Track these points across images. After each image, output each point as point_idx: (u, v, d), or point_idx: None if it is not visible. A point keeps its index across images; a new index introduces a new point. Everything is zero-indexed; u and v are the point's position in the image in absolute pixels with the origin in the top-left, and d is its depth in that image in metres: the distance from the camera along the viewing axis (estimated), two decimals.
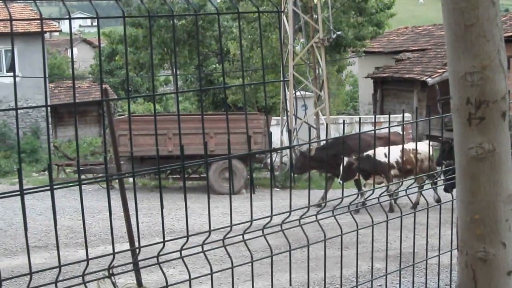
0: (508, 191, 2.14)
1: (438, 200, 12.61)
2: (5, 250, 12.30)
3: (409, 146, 15.99)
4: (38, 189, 2.45)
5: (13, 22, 27.04)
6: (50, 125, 33.05)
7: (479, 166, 2.11)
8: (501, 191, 2.12)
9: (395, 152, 15.08)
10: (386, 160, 14.74)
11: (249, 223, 3.03)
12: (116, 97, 38.60)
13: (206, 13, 32.37)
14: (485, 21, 2.03)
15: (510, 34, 25.96)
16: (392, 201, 12.45)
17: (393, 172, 15.24)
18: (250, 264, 3.15)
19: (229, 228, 3.00)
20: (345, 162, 14.50)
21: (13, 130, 30.21)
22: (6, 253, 12.05)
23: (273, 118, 24.33)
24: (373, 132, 18.68)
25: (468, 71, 2.07)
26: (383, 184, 13.99)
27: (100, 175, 18.49)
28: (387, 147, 14.50)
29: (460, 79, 2.09)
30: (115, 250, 2.68)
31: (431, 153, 15.46)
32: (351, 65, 37.71)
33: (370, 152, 14.64)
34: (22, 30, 29.90)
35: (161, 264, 2.85)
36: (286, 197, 15.20)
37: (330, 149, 16.07)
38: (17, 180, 2.30)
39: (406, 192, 3.96)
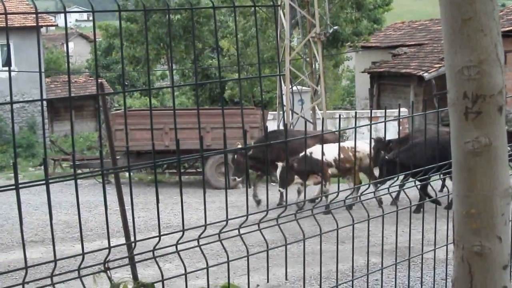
0: (504, 185, 2.14)
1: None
2: (2, 244, 12.30)
3: (348, 144, 15.46)
4: (33, 183, 2.45)
5: (9, 16, 26.97)
6: (46, 120, 33.01)
7: (476, 160, 2.11)
8: (497, 185, 2.12)
9: (333, 151, 14.56)
10: (324, 158, 14.10)
11: (245, 217, 3.03)
12: (112, 91, 38.57)
13: (202, 7, 32.32)
14: (483, 15, 2.02)
15: (507, 28, 25.96)
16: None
17: (330, 171, 14.65)
18: (246, 258, 3.16)
19: (225, 223, 3.00)
20: (280, 168, 13.95)
21: (9, 124, 30.17)
22: (2, 248, 12.04)
23: (269, 112, 24.32)
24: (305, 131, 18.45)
25: (465, 65, 2.07)
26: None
27: (96, 169, 18.48)
28: (324, 145, 14.04)
29: (457, 73, 2.09)
30: (111, 245, 2.67)
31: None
32: (348, 60, 37.71)
33: (309, 151, 14.27)
34: (18, 25, 29.84)
35: (157, 259, 2.84)
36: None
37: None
38: (13, 174, 2.30)
39: (388, 190, 3.96)
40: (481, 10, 2.02)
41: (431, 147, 13.00)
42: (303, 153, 13.91)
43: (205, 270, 3.01)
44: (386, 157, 14.28)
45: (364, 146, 14.90)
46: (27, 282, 2.43)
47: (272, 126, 22.76)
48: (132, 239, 2.98)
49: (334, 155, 14.58)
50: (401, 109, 24.32)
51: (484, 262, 2.16)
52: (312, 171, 14.59)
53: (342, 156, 14.83)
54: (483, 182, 2.12)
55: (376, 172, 15.37)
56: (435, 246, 4.20)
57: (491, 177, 2.11)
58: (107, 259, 2.67)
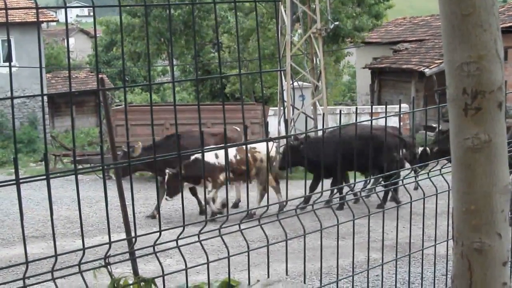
0: (504, 182, 2.14)
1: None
2: (3, 240, 12.32)
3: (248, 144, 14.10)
4: (34, 179, 2.46)
5: (10, 12, 26.95)
6: (47, 115, 33.01)
7: (475, 157, 2.11)
8: (497, 182, 2.12)
9: (229, 152, 13.17)
10: (216, 161, 13.23)
11: (246, 213, 3.04)
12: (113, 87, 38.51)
13: (202, 2, 32.30)
14: (482, 11, 2.02)
15: (508, 24, 25.93)
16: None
17: (224, 175, 13.29)
18: (247, 253, 3.16)
19: (225, 218, 3.00)
20: (167, 176, 12.80)
21: (10, 120, 30.18)
22: (3, 243, 12.06)
23: (270, 108, 24.32)
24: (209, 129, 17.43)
25: (465, 61, 2.06)
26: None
27: (97, 165, 18.47)
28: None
29: (457, 69, 2.08)
30: (112, 240, 2.68)
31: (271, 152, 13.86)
32: (349, 55, 37.69)
33: (199, 155, 12.78)
34: (19, 20, 29.82)
35: (157, 254, 2.85)
36: (283, 187, 15.22)
37: (159, 147, 13.91)
38: (14, 170, 2.30)
39: (375, 189, 3.96)
40: (481, 5, 2.02)
41: (334, 143, 13.20)
42: (196, 156, 12.98)
43: (206, 265, 3.02)
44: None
45: (264, 147, 13.42)
46: (28, 277, 2.44)
47: (273, 121, 22.76)
48: (133, 234, 2.98)
49: (229, 158, 13.37)
50: (402, 105, 24.31)
51: (484, 258, 2.16)
52: (201, 175, 13.07)
53: (239, 158, 13.55)
54: (482, 179, 2.12)
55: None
56: (435, 242, 4.20)
57: (490, 173, 2.11)
58: (108, 254, 2.67)
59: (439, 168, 3.76)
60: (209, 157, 13.12)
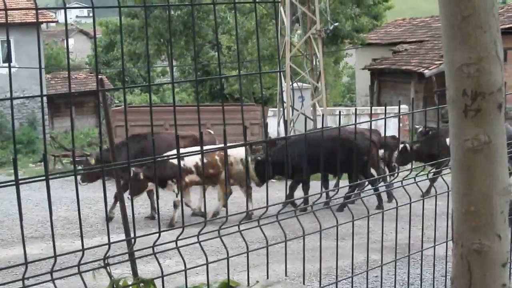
0: (504, 183, 2.13)
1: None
2: (2, 240, 12.32)
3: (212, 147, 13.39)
4: (33, 179, 2.45)
5: (10, 12, 26.93)
6: (46, 116, 33.02)
7: (475, 158, 2.11)
8: (496, 183, 2.12)
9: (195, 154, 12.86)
10: (182, 164, 12.79)
11: (245, 214, 3.04)
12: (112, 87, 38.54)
13: (202, 3, 32.30)
14: (482, 12, 2.02)
15: (508, 26, 25.95)
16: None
17: (190, 177, 12.91)
18: (246, 254, 3.16)
19: (224, 219, 3.00)
20: (132, 175, 12.49)
21: (9, 120, 30.17)
22: (2, 244, 12.06)
23: (270, 109, 24.32)
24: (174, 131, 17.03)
25: (465, 63, 2.06)
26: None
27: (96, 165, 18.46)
28: (188, 148, 11.96)
29: (456, 70, 2.08)
30: (111, 241, 2.68)
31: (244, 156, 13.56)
32: (349, 56, 37.71)
33: (166, 155, 12.51)
34: (19, 21, 29.83)
35: (157, 255, 2.85)
36: (283, 188, 15.21)
37: (123, 148, 14.16)
38: (13, 170, 2.31)
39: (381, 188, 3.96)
40: (481, 6, 2.02)
41: (300, 147, 13.41)
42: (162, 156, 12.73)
43: (205, 266, 3.02)
44: (259, 158, 14.12)
45: (236, 150, 13.35)
46: (27, 278, 2.44)
47: (272, 122, 22.76)
48: (132, 235, 2.98)
49: (195, 160, 13.02)
50: (402, 106, 24.31)
51: (483, 260, 2.16)
52: (166, 177, 13.02)
53: (205, 161, 13.15)
54: (482, 180, 2.12)
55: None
56: (435, 243, 4.20)
57: (490, 175, 2.11)
58: (107, 255, 2.67)
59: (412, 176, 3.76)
60: (175, 159, 12.65)
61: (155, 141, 15.42)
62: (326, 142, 12.48)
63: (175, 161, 12.43)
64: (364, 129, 15.04)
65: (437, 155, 15.31)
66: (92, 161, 14.92)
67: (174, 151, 12.98)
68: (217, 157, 13.41)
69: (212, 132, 16.65)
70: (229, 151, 13.03)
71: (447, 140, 15.01)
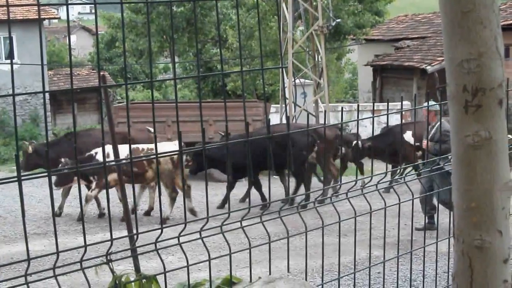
0: (505, 179, 2.14)
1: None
2: (5, 237, 12.33)
3: (146, 146, 13.58)
4: (36, 176, 2.46)
5: (12, 9, 26.96)
6: (49, 113, 33.05)
7: (476, 154, 2.11)
8: (497, 179, 2.12)
9: (122, 152, 11.80)
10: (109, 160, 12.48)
11: (247, 210, 3.04)
12: (114, 84, 38.61)
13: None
14: (482, 8, 2.02)
15: (510, 22, 25.89)
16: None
17: (112, 176, 12.19)
18: (248, 250, 3.17)
19: (227, 215, 3.01)
20: (60, 165, 12.38)
21: (12, 117, 30.20)
22: (5, 240, 12.07)
23: (272, 105, 24.31)
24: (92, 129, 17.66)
25: (465, 58, 2.06)
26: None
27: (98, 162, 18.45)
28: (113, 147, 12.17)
29: (457, 66, 2.09)
30: (113, 237, 2.68)
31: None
32: (351, 52, 37.67)
33: (94, 151, 12.93)
34: (21, 17, 29.83)
35: (159, 251, 2.85)
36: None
37: (57, 145, 14.91)
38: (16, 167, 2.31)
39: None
40: (481, 2, 2.02)
41: (239, 145, 13.57)
42: (90, 153, 12.95)
43: (207, 262, 3.03)
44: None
45: (163, 149, 12.89)
46: (30, 274, 2.44)
47: (275, 118, 22.76)
48: (134, 231, 2.99)
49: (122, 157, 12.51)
50: (404, 102, 24.29)
51: (485, 256, 2.17)
52: (89, 173, 13.00)
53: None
54: (483, 176, 2.12)
55: None
56: (437, 239, 4.20)
57: (491, 170, 2.11)
58: (110, 251, 2.68)
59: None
60: (99, 155, 12.58)
61: (85, 138, 15.43)
62: (263, 140, 12.72)
63: (98, 158, 12.45)
64: (316, 125, 15.42)
65: (396, 152, 15.65)
66: (29, 150, 15.15)
67: (98, 148, 13.01)
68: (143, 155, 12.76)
69: (151, 130, 16.61)
70: (160, 150, 12.61)
71: (404, 136, 15.00)
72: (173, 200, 13.36)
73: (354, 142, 15.60)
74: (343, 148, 15.91)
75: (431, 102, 12.61)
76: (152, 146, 13.04)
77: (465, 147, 2.12)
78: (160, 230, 2.77)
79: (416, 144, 14.07)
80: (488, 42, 2.04)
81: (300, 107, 21.76)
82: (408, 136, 15.57)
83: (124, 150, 11.17)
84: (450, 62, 2.10)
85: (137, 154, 12.67)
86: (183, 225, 2.85)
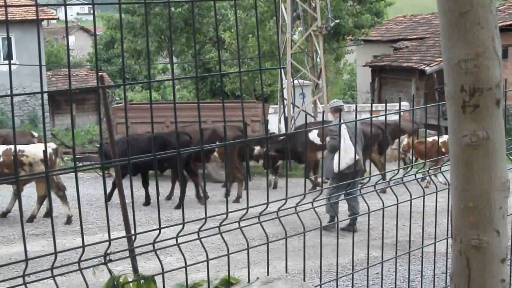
0: (502, 179, 2.14)
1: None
2: (3, 238, 12.31)
3: (18, 147, 13.07)
4: (34, 176, 2.46)
5: (10, 9, 26.95)
6: (47, 113, 33.04)
7: (473, 154, 2.11)
8: (495, 179, 2.12)
9: None
10: None
11: (246, 210, 3.04)
12: (112, 84, 38.62)
13: (202, 0, 32.32)
14: (480, 8, 2.03)
15: (509, 22, 25.94)
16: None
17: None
18: (246, 251, 3.16)
19: (225, 216, 3.01)
20: None
21: (10, 117, 30.20)
22: (3, 241, 12.05)
23: (270, 106, 24.32)
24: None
25: (462, 59, 2.07)
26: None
27: (97, 162, 18.48)
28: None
29: (454, 66, 2.09)
30: (112, 238, 2.68)
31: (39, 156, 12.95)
32: (350, 53, 37.68)
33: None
34: (19, 18, 29.82)
35: (158, 252, 2.85)
36: (283, 185, 15.20)
37: None
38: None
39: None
40: (478, 3, 2.03)
41: (121, 145, 14.62)
42: None
43: (206, 263, 3.03)
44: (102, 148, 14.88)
45: (34, 150, 12.95)
46: (28, 275, 2.44)
47: (273, 119, 22.76)
48: (133, 232, 2.99)
49: None
50: (402, 103, 24.31)
51: (482, 255, 2.17)
52: None
53: (1, 160, 12.73)
54: (480, 176, 2.12)
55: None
56: (435, 240, 4.20)
57: (489, 170, 2.12)
58: (108, 251, 2.68)
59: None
60: None
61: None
62: (142, 141, 14.35)
63: None
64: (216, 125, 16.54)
65: (302, 152, 15.98)
66: None
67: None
68: (12, 157, 12.63)
69: (35, 135, 17.38)
70: (27, 151, 12.90)
71: (310, 136, 15.34)
72: (61, 198, 13.30)
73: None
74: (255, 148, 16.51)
75: (333, 100, 13.42)
76: (25, 147, 12.99)
77: (462, 147, 2.12)
78: (158, 231, 2.77)
79: (320, 144, 14.74)
80: (486, 42, 2.05)
81: (298, 107, 21.76)
82: (313, 135, 15.88)
83: None
84: (448, 62, 2.11)
85: (8, 155, 12.62)
86: (181, 226, 2.85)
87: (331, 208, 9.46)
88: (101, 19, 39.23)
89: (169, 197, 15.40)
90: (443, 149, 15.44)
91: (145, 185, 15.33)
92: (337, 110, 12.07)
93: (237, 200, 15.11)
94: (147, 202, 15.00)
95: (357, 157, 11.04)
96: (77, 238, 11.88)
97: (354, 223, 10.59)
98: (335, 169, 10.94)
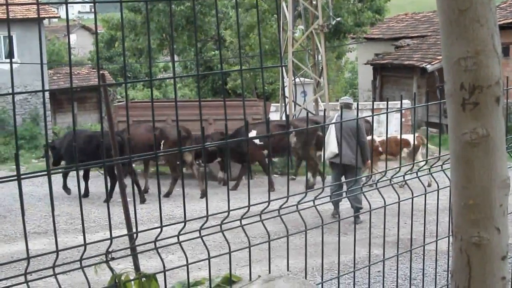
0: (502, 176, 2.14)
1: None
2: (5, 236, 12.33)
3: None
4: (35, 174, 2.46)
5: (12, 8, 26.94)
6: (48, 111, 33.07)
7: (473, 152, 2.12)
8: (495, 176, 2.13)
9: None
10: None
11: (247, 208, 3.04)
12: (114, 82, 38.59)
13: None
14: (479, 6, 2.03)
15: (510, 20, 25.91)
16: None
17: None
18: (248, 249, 3.17)
19: (226, 214, 3.01)
20: None
21: (12, 116, 30.21)
22: (5, 239, 12.08)
23: (272, 104, 24.31)
24: None
25: (462, 56, 2.07)
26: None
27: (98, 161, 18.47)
28: None
29: (454, 64, 2.09)
30: (113, 236, 2.69)
31: None
32: (351, 51, 37.66)
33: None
34: (21, 16, 29.83)
35: (159, 250, 2.86)
36: (285, 183, 15.20)
37: None
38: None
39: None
40: (478, 0, 2.03)
41: (67, 141, 16.27)
42: None
43: (207, 261, 3.03)
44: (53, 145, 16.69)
45: None
46: (30, 273, 2.45)
47: (274, 117, 22.76)
48: (134, 230, 2.99)
49: None
50: (404, 101, 24.29)
51: (483, 253, 2.17)
52: None
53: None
54: (481, 173, 2.12)
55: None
56: (437, 238, 4.21)
57: (489, 168, 2.12)
58: (109, 250, 2.68)
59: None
60: None
61: None
62: (81, 138, 15.57)
63: None
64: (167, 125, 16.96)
65: (243, 153, 16.25)
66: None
67: None
68: None
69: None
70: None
71: (250, 134, 15.80)
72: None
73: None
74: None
75: (344, 97, 14.13)
76: None
77: (462, 145, 2.13)
78: (159, 229, 2.77)
79: (260, 143, 15.21)
80: (485, 40, 2.05)
81: (300, 106, 21.77)
82: (253, 135, 16.14)
83: None
84: (447, 60, 2.11)
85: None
86: (183, 224, 2.86)
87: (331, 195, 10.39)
88: (101, 21, 39.25)
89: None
90: (380, 149, 15.64)
91: (86, 179, 16.45)
92: (346, 106, 12.68)
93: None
94: (85, 195, 16.01)
95: (335, 151, 11.98)
96: (79, 236, 11.89)
97: (358, 216, 10.79)
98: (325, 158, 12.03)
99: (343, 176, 12.03)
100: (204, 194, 15.76)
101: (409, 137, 15.94)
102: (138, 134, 16.42)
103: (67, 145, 16.10)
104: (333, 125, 12.15)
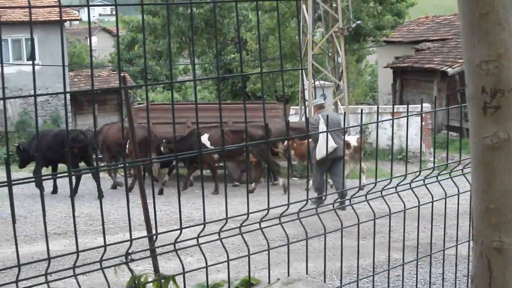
0: None
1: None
2: (26, 236, 12.40)
3: None
4: (56, 176, 2.48)
5: (33, 10, 27.13)
6: (69, 113, 33.26)
7: (494, 155, 2.10)
8: None
9: None
10: None
11: (266, 211, 3.04)
12: (134, 85, 38.74)
13: (223, 0, 32.39)
14: (501, 9, 2.02)
15: None
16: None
17: None
18: (267, 252, 3.17)
19: (246, 216, 3.01)
20: None
21: (33, 118, 30.42)
22: (26, 240, 12.15)
23: (291, 107, 24.28)
24: None
25: (483, 60, 2.06)
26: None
27: (119, 163, 18.56)
28: None
29: (475, 67, 2.08)
30: (133, 237, 2.70)
31: None
32: (371, 54, 37.54)
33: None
34: (42, 19, 30.05)
35: (178, 252, 2.86)
36: (305, 186, 15.16)
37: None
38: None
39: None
40: (499, 4, 2.02)
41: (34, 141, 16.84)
42: None
43: (226, 263, 3.03)
44: (21, 147, 17.38)
45: None
46: (50, 273, 2.46)
47: (294, 120, 22.73)
48: (154, 232, 3.00)
49: None
50: (424, 105, 24.16)
51: (504, 257, 2.16)
52: None
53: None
54: (502, 177, 2.11)
55: None
56: (457, 242, 4.18)
57: (510, 171, 2.10)
58: (129, 251, 2.69)
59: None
60: None
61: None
62: (50, 136, 16.55)
63: None
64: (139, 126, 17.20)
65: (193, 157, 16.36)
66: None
67: None
68: None
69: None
70: None
71: (202, 138, 16.08)
72: None
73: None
74: None
75: (317, 98, 16.04)
76: None
77: (483, 148, 2.11)
78: (179, 231, 2.78)
79: (211, 147, 15.49)
80: (507, 43, 2.04)
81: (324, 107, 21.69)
82: (204, 139, 16.18)
83: None
84: (469, 63, 2.10)
85: None
86: (202, 226, 2.86)
87: (319, 187, 13.10)
88: (121, 22, 39.42)
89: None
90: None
91: (77, 180, 16.75)
92: (320, 107, 14.49)
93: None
94: (54, 191, 16.92)
95: (335, 145, 13.33)
96: (98, 238, 11.94)
97: (343, 202, 11.08)
98: (317, 156, 13.35)
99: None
100: (161, 192, 16.52)
101: (351, 138, 16.58)
102: (110, 134, 17.56)
103: (37, 146, 16.71)
104: (323, 122, 13.13)
